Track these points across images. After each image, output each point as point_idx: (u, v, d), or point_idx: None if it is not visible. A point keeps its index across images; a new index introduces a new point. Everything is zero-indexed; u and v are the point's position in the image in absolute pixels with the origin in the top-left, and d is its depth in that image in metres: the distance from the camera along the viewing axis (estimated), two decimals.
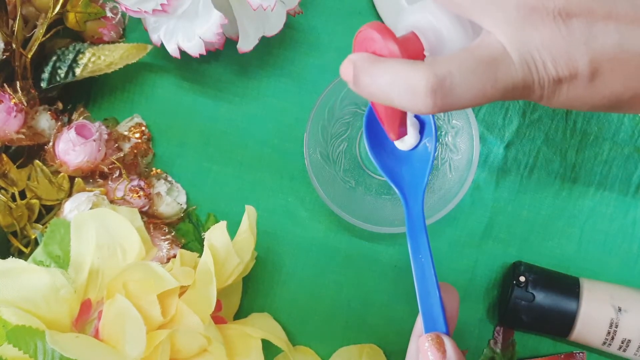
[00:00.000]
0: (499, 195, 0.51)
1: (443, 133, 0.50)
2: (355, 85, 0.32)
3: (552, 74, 0.30)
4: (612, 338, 0.46)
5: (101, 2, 0.51)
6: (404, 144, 0.41)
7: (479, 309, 0.51)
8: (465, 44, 0.32)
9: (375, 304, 0.51)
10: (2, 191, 0.46)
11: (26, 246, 0.46)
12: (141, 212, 0.47)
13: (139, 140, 0.52)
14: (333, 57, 0.53)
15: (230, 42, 0.50)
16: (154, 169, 0.52)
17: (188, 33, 0.46)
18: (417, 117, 0.40)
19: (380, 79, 0.31)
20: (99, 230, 0.42)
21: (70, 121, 0.51)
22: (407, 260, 0.51)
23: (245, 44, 0.48)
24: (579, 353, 0.49)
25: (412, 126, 0.40)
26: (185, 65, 0.53)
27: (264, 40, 0.49)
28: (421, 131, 0.41)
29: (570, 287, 0.47)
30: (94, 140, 0.46)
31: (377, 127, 0.41)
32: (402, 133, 0.38)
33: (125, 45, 0.49)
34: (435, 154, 0.41)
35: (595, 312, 0.46)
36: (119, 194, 0.47)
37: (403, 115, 0.36)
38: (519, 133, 0.52)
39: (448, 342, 0.36)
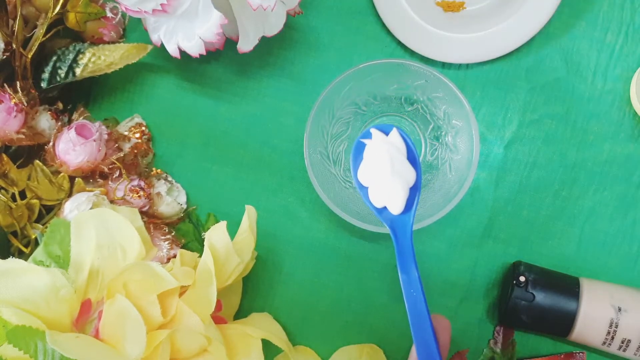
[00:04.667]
0: (499, 195, 0.51)
1: (443, 133, 0.50)
2: None
3: None
4: (612, 338, 0.46)
5: (101, 2, 0.51)
6: (395, 209, 0.42)
7: (479, 309, 0.51)
8: None
9: (375, 304, 0.51)
10: (2, 191, 0.46)
11: (26, 246, 0.46)
12: (141, 212, 0.47)
13: (139, 140, 0.52)
14: (333, 57, 0.53)
15: (230, 42, 0.50)
16: (154, 169, 0.52)
17: (188, 33, 0.46)
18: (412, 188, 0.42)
19: None
20: (99, 230, 0.42)
21: (70, 121, 0.51)
22: None
23: (245, 44, 0.48)
24: (579, 353, 0.49)
25: (402, 192, 0.42)
26: (185, 65, 0.53)
27: (264, 40, 0.49)
28: (410, 199, 0.42)
29: (570, 287, 0.47)
30: (94, 140, 0.46)
31: (361, 160, 0.43)
32: None
33: (126, 46, 0.49)
34: (420, 193, 0.42)
35: (595, 312, 0.46)
36: (119, 194, 0.47)
37: None
38: (519, 133, 0.52)
39: None
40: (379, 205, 0.42)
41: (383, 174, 0.42)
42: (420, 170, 0.43)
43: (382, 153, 0.42)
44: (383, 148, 0.42)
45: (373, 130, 0.43)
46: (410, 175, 0.42)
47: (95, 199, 0.45)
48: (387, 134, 0.43)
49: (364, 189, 0.43)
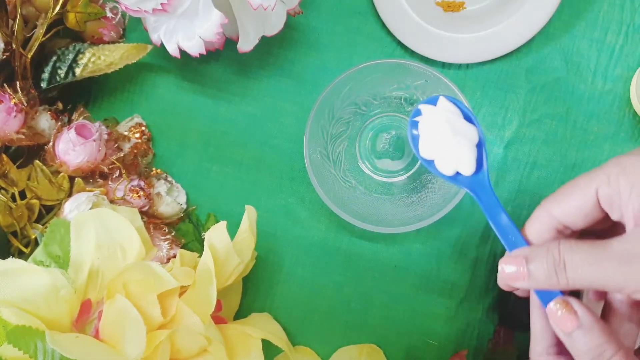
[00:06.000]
0: (499, 195, 0.51)
1: None
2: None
3: None
4: None
5: (101, 2, 0.51)
6: (468, 170, 0.41)
7: (479, 309, 0.51)
8: None
9: (375, 304, 0.51)
10: (2, 191, 0.46)
11: (26, 246, 0.46)
12: (141, 212, 0.47)
13: (139, 140, 0.52)
14: (333, 57, 0.53)
15: (230, 42, 0.50)
16: (154, 169, 0.52)
17: (188, 32, 0.46)
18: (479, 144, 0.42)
19: None
20: (99, 230, 0.42)
21: (70, 121, 0.51)
22: (407, 260, 0.51)
23: (245, 44, 0.48)
24: None
25: (470, 152, 0.41)
26: (185, 65, 0.53)
27: (264, 40, 0.49)
28: (478, 159, 0.41)
29: None
30: (94, 140, 0.46)
31: (418, 137, 0.42)
32: None
33: (125, 45, 0.49)
34: (486, 147, 0.42)
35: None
36: (119, 194, 0.47)
37: None
38: (519, 133, 0.52)
39: (577, 305, 0.35)
40: (450, 173, 0.41)
41: (446, 141, 0.41)
42: (480, 127, 0.42)
43: (440, 122, 0.41)
44: (439, 117, 0.41)
45: (421, 106, 0.42)
46: (472, 133, 0.41)
47: (95, 199, 0.45)
48: (435, 104, 0.42)
49: (431, 163, 0.42)
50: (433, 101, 0.42)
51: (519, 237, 0.37)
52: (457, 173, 0.41)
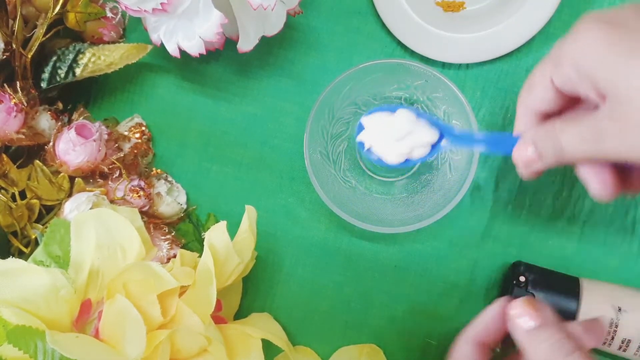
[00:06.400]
0: (499, 195, 0.51)
1: None
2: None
3: None
4: (612, 338, 0.46)
5: (101, 2, 0.51)
6: (434, 137, 0.44)
7: (479, 309, 0.51)
8: None
9: (375, 304, 0.51)
10: (2, 191, 0.46)
11: (26, 246, 0.46)
12: (141, 212, 0.47)
13: (139, 140, 0.52)
14: (333, 57, 0.53)
15: (230, 42, 0.50)
16: (154, 169, 0.52)
17: (188, 32, 0.46)
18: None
19: None
20: (99, 230, 0.42)
21: (70, 121, 0.51)
22: (407, 260, 0.51)
23: (246, 44, 0.48)
24: None
25: (423, 127, 0.43)
26: (185, 65, 0.53)
27: (264, 40, 0.49)
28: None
29: (570, 287, 0.47)
30: (94, 140, 0.46)
31: (378, 158, 0.45)
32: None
33: (126, 45, 0.49)
34: (425, 112, 0.45)
35: (595, 312, 0.46)
36: (119, 194, 0.47)
37: None
38: None
39: (540, 304, 0.36)
40: (426, 152, 0.44)
41: (398, 138, 0.44)
42: (409, 106, 0.44)
43: (379, 134, 0.44)
44: (375, 132, 0.44)
45: (359, 139, 0.45)
46: (407, 115, 0.43)
47: (95, 199, 0.45)
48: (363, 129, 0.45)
49: (409, 162, 0.44)
50: (360, 129, 0.45)
51: (514, 139, 0.39)
52: (432, 146, 0.44)
